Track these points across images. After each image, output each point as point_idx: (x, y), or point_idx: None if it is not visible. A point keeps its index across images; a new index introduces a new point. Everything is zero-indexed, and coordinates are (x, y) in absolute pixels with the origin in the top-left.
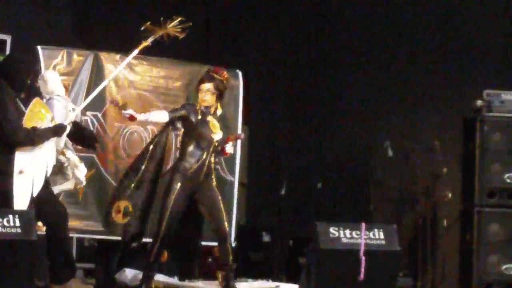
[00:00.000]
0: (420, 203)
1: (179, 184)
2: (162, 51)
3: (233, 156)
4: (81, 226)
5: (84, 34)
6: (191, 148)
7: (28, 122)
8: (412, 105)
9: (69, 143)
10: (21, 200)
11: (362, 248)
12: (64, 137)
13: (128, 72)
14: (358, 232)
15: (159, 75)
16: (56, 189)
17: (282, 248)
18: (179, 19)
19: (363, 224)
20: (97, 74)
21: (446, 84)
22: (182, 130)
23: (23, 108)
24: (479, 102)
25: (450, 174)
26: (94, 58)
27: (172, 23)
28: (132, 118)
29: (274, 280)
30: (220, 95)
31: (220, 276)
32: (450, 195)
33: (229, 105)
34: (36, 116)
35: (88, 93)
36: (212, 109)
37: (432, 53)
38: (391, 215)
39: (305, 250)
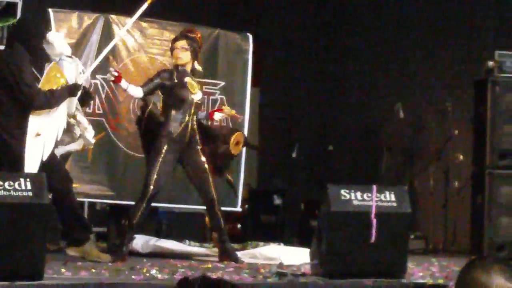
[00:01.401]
0: (431, 165)
1: (165, 147)
2: (175, 14)
3: (242, 121)
4: (91, 191)
5: None
6: (173, 112)
7: (44, 86)
8: (423, 68)
9: (79, 106)
10: (32, 163)
11: (374, 211)
12: (75, 99)
13: (138, 36)
14: (369, 195)
15: (170, 38)
16: (62, 149)
17: (293, 211)
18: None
19: (374, 187)
20: (107, 37)
21: (457, 46)
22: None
23: (36, 72)
24: (490, 63)
25: (462, 136)
26: (104, 21)
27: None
28: (116, 81)
29: (285, 243)
30: (194, 52)
31: (214, 238)
32: (461, 157)
33: (238, 68)
34: (52, 80)
35: (97, 56)
36: (189, 68)
37: (443, 14)
38: (402, 177)
39: (316, 212)
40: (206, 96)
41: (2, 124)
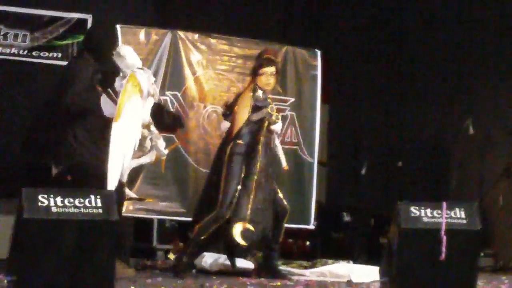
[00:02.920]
0: (501, 182)
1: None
2: (240, 30)
3: (312, 137)
4: (161, 207)
5: (165, 12)
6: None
7: (123, 96)
8: (494, 84)
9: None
10: (113, 178)
11: (443, 227)
12: (149, 109)
13: (206, 52)
14: (439, 211)
15: (237, 54)
16: (134, 163)
17: (362, 228)
18: None
19: (444, 203)
20: (175, 53)
21: None
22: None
23: (100, 83)
24: None
25: None
26: (172, 37)
27: None
28: None
29: (354, 260)
30: (278, 76)
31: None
32: None
33: (307, 84)
34: (130, 89)
35: (165, 73)
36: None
37: None
38: (472, 194)
39: (386, 229)
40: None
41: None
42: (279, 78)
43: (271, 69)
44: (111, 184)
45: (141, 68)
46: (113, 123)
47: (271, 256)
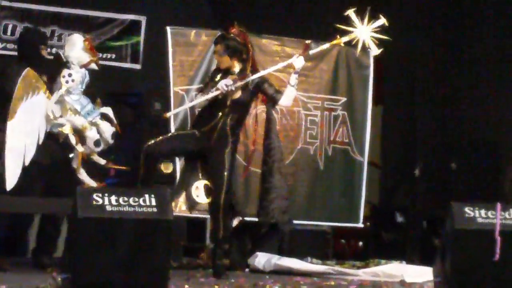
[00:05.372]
0: None
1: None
2: (291, 31)
3: (363, 137)
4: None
5: (218, 13)
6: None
7: (16, 94)
8: None
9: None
10: (11, 177)
11: (498, 228)
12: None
13: (257, 53)
14: (494, 212)
15: (289, 55)
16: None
17: (415, 228)
18: (381, 21)
19: (499, 204)
20: None
21: None
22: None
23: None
24: None
25: None
26: None
27: (372, 25)
28: None
29: (407, 261)
30: (233, 53)
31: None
32: None
33: (358, 84)
34: (30, 87)
35: None
36: (235, 69)
37: None
38: None
39: (439, 230)
40: (327, 112)
41: None
42: (235, 56)
43: (217, 47)
44: (9, 184)
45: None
46: (7, 122)
47: (217, 253)
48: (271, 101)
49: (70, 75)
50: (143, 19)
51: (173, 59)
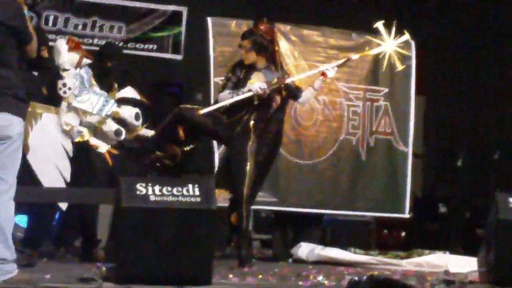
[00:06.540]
0: None
1: None
2: (333, 21)
3: (406, 127)
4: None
5: (259, 4)
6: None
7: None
8: None
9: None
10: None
11: None
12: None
13: (299, 43)
14: None
15: (332, 45)
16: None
17: (458, 219)
18: (406, 36)
19: None
20: None
21: None
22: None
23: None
24: None
25: None
26: None
27: (398, 40)
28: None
29: (450, 251)
30: (259, 49)
31: (233, 243)
32: None
33: (401, 75)
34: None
35: None
36: (259, 65)
37: None
38: None
39: (482, 220)
40: (369, 103)
41: None
42: (261, 52)
43: (244, 42)
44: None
45: (67, 70)
46: (26, 157)
47: (242, 243)
48: (291, 97)
49: (64, 85)
50: (184, 10)
51: (213, 49)
